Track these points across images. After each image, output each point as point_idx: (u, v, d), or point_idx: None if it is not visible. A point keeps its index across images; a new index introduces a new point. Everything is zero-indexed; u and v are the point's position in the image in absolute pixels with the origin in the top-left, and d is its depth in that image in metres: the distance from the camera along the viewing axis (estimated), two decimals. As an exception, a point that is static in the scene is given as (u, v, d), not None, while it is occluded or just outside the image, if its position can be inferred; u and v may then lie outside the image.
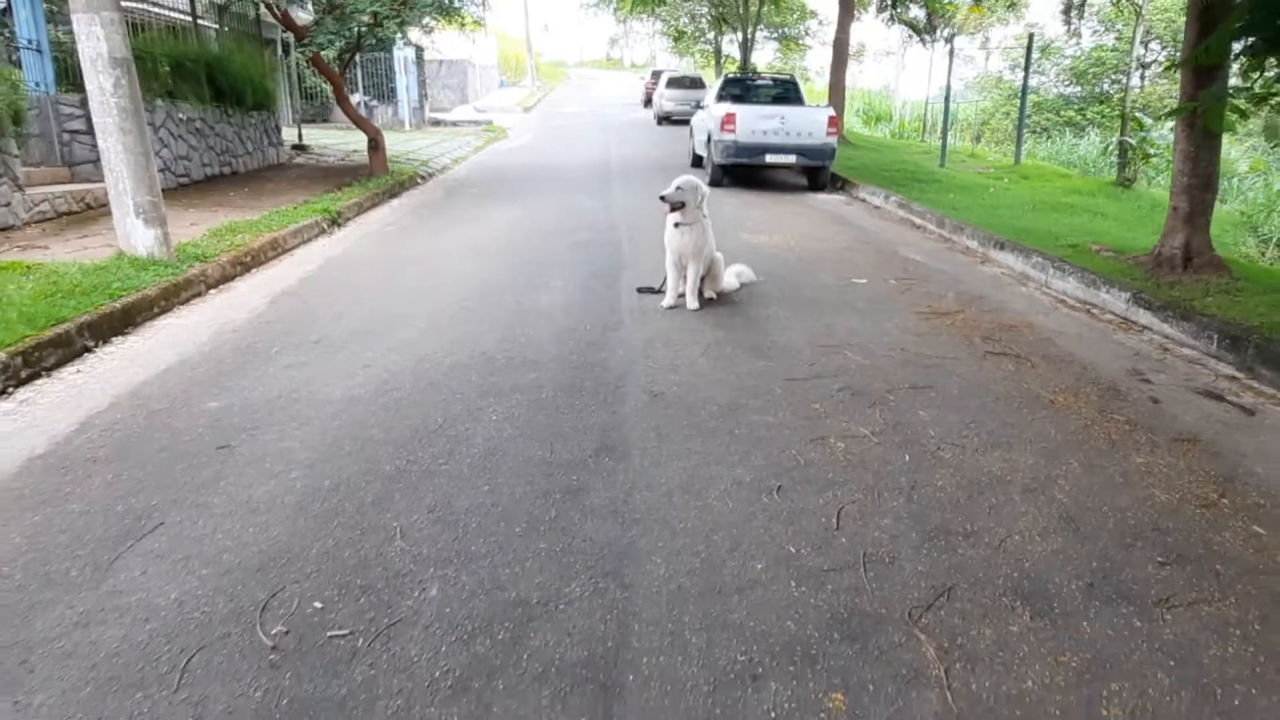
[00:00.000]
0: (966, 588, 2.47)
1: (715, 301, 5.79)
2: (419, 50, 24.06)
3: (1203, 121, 5.61)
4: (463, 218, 9.81)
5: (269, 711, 2.02)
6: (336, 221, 9.24)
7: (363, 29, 10.82)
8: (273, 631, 2.30)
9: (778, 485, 3.10)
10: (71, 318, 4.81)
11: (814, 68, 33.38)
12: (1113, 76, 21.28)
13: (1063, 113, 21.08)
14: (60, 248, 6.80)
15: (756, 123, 11.15)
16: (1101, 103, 20.25)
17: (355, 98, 24.08)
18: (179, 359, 4.66)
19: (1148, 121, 13.36)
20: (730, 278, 6.10)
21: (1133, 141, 12.14)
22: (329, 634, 2.29)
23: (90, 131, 9.26)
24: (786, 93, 13.01)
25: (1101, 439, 3.53)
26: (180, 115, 10.48)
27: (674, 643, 2.24)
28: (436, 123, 24.71)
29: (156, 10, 11.81)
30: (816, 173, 11.76)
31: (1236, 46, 4.76)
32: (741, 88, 13.28)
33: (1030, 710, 2.00)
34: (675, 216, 5.46)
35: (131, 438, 3.59)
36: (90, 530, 2.82)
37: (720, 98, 12.66)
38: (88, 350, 4.82)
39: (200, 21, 12.62)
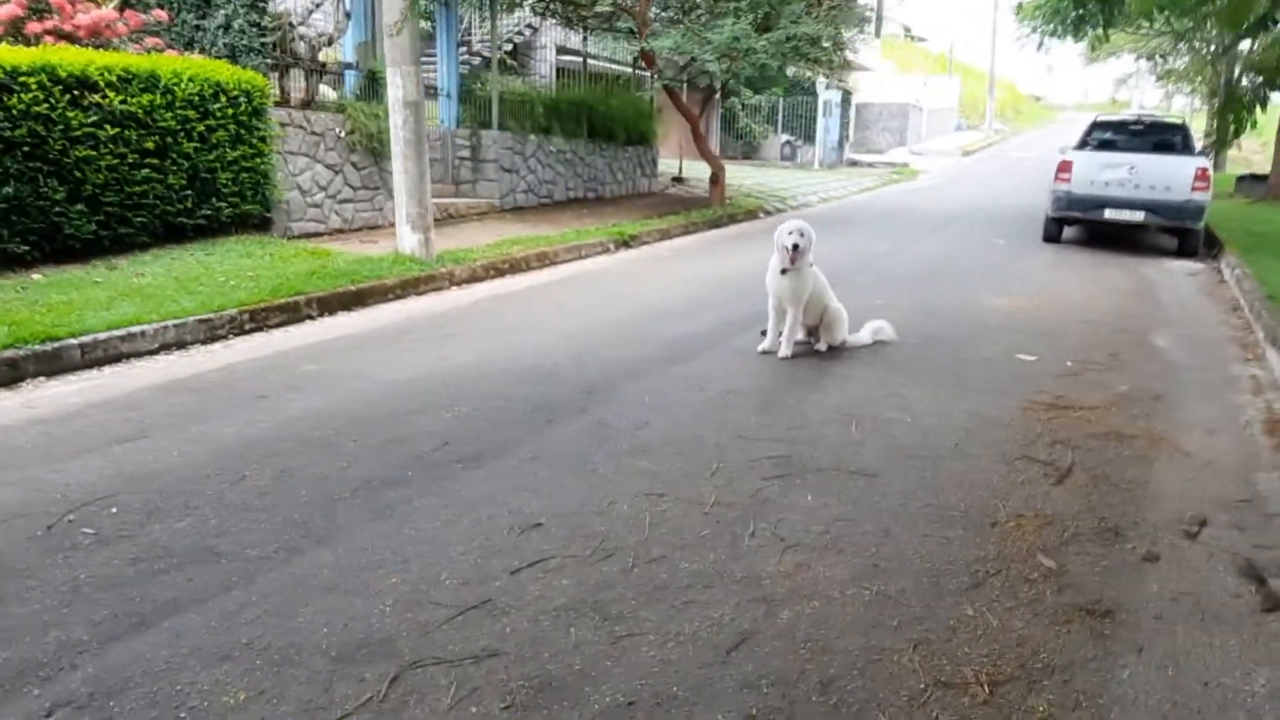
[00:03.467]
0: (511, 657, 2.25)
1: (824, 354, 5.34)
2: (845, 93, 24.53)
3: None
4: (744, 250, 10.06)
5: (65, 578, 2.75)
6: (627, 244, 10.22)
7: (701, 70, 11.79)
8: (88, 529, 3.01)
9: (538, 523, 3.01)
10: (306, 292, 6.32)
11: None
12: None
13: None
14: (386, 243, 8.70)
15: (1097, 173, 9.40)
16: None
17: (780, 138, 25.52)
18: (352, 333, 5.84)
19: None
20: (863, 333, 5.56)
21: None
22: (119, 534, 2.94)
23: (473, 158, 11.63)
24: (1166, 140, 10.57)
25: (968, 579, 2.66)
26: (551, 148, 12.50)
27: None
28: (853, 163, 24.93)
29: (564, 60, 14.20)
30: (1185, 235, 9.47)
31: None
32: (1111, 131, 11.15)
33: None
34: (785, 262, 5.15)
35: (235, 382, 4.63)
36: (145, 422, 3.90)
37: (1080, 144, 10.86)
38: (310, 318, 6.26)
39: (594, 62, 14.75)
